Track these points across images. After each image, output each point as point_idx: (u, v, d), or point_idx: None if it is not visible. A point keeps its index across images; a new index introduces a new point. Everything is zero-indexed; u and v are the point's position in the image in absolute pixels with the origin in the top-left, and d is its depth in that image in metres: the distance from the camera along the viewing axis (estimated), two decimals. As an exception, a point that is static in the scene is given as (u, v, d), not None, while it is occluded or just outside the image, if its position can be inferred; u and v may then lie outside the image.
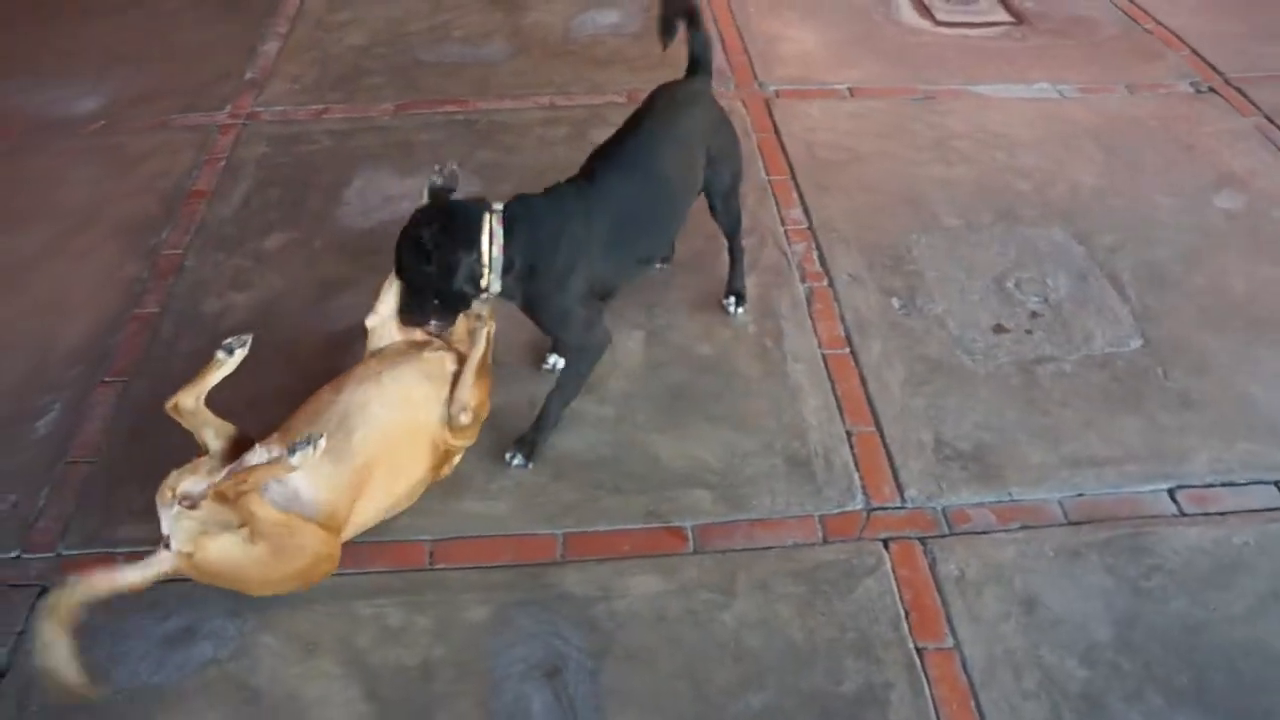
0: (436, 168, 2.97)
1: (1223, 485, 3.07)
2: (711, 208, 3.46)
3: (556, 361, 3.35)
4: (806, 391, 3.35)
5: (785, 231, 4.00)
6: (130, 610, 2.75)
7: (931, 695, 2.55)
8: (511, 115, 4.73)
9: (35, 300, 3.77)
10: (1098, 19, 5.52)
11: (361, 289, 3.45)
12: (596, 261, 2.99)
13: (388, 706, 2.56)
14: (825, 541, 2.92)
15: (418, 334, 3.06)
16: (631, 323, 3.58)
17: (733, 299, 3.62)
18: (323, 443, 2.63)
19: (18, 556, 2.91)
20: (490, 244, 2.83)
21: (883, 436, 3.21)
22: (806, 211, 4.10)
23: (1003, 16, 5.55)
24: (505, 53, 5.26)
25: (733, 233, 3.57)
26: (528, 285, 2.93)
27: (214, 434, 2.75)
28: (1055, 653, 2.64)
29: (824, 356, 3.47)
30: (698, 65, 3.43)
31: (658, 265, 3.67)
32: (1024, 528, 2.95)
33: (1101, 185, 4.27)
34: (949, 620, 2.72)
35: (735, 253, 3.61)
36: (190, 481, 2.63)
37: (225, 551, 2.59)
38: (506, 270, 2.87)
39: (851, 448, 3.18)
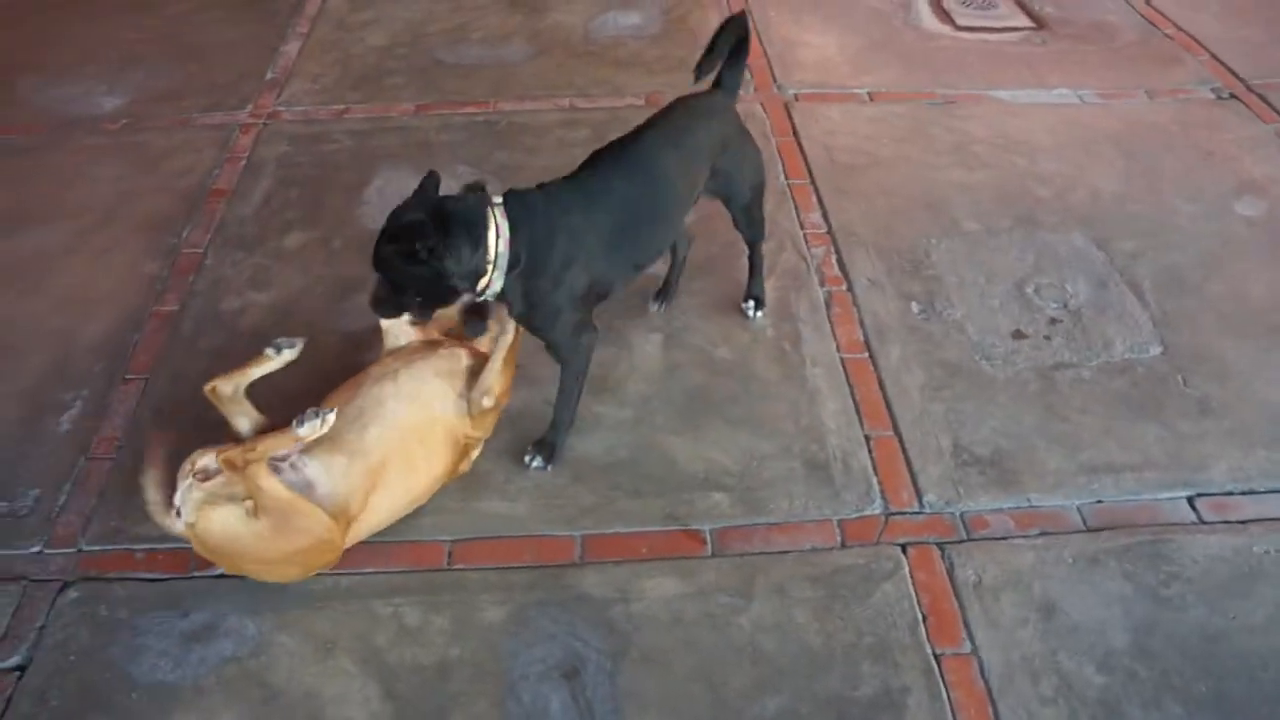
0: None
1: (1242, 493, 3.06)
2: (734, 219, 3.44)
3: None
4: (825, 395, 3.35)
5: (804, 235, 3.99)
6: (150, 607, 2.78)
7: (949, 700, 2.55)
8: (531, 117, 4.74)
9: (58, 296, 3.79)
10: (1118, 24, 5.50)
11: (380, 289, 3.45)
12: (595, 259, 2.90)
13: (405, 705, 2.57)
14: (843, 546, 2.92)
15: (434, 332, 3.08)
16: (650, 325, 3.59)
17: (752, 303, 3.61)
18: (331, 417, 2.66)
19: (40, 551, 2.93)
20: (497, 240, 2.70)
21: (901, 441, 3.20)
22: (825, 215, 4.10)
23: (1023, 21, 5.54)
24: (525, 54, 5.27)
25: (755, 242, 3.55)
26: (528, 283, 2.82)
27: (247, 422, 2.81)
28: (1073, 659, 2.63)
29: (842, 360, 3.47)
30: (724, 83, 3.31)
31: (654, 306, 3.63)
32: (1042, 534, 2.95)
33: (1121, 191, 4.26)
34: (967, 625, 2.71)
35: (755, 260, 3.59)
36: (209, 458, 2.67)
37: (226, 522, 2.62)
38: (512, 267, 2.75)
39: (870, 452, 3.17)
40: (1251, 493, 3.06)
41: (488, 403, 2.95)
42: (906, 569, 2.85)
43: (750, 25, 3.27)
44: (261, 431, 2.77)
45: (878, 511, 3.01)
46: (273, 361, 2.84)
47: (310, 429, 2.64)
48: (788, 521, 2.98)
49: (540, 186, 2.92)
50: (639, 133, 3.09)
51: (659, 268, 3.54)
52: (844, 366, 3.45)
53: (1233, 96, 4.87)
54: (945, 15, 5.56)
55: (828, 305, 3.69)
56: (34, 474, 3.14)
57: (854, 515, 3.00)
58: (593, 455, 3.17)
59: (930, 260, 3.87)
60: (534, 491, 3.07)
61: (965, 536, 2.94)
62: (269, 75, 5.12)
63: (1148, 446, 3.19)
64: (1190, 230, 4.04)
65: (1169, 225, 4.07)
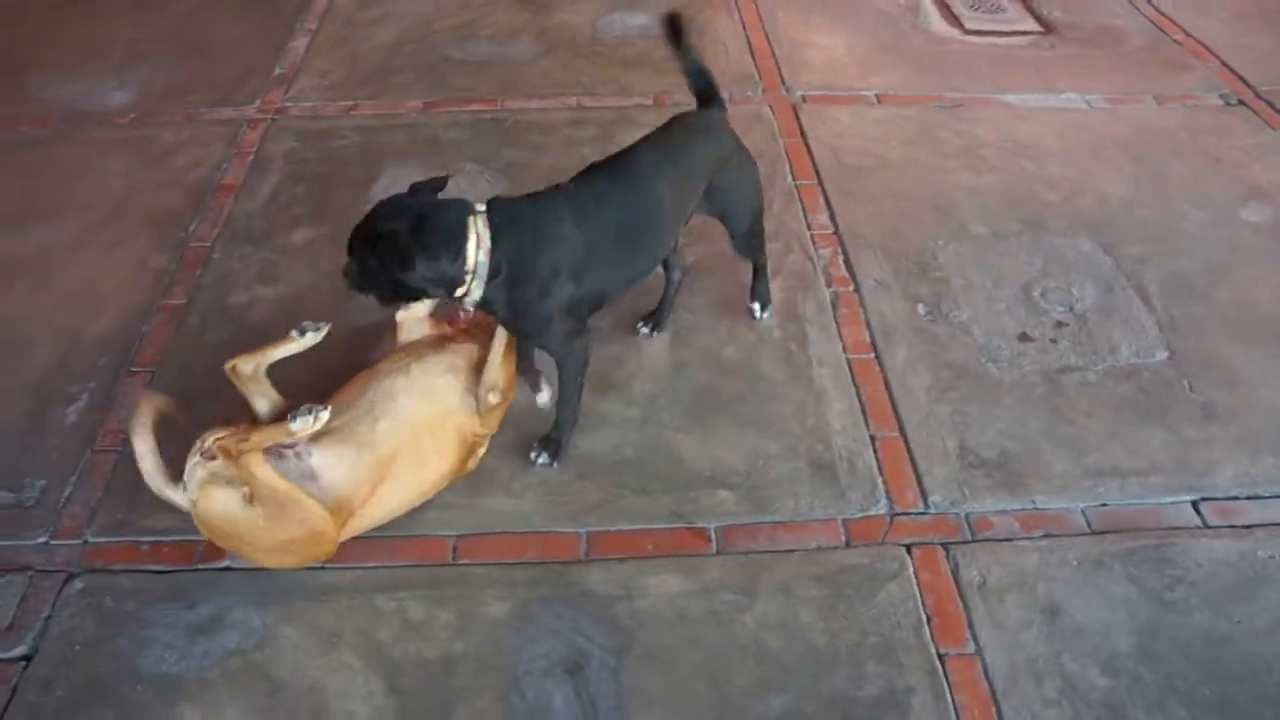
0: None
1: (1247, 498, 3.06)
2: (732, 240, 3.38)
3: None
4: (831, 396, 3.35)
5: (811, 236, 4.00)
6: (156, 599, 2.78)
7: (953, 701, 2.55)
8: (539, 115, 4.75)
9: (65, 290, 3.80)
10: (1126, 29, 5.51)
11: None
12: (583, 270, 2.85)
13: (408, 700, 2.57)
14: (848, 545, 2.92)
15: (446, 328, 3.09)
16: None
17: (758, 304, 3.60)
18: (324, 415, 2.66)
19: (46, 542, 2.94)
20: (477, 249, 2.69)
21: (907, 442, 3.20)
22: (833, 217, 4.10)
23: (1031, 26, 5.54)
24: (532, 53, 5.28)
25: (758, 264, 3.55)
26: (512, 292, 2.79)
27: (265, 403, 2.82)
28: (1077, 661, 2.63)
29: (849, 361, 3.47)
30: (704, 96, 3.23)
31: (644, 330, 3.57)
32: (1047, 536, 2.95)
33: (1129, 196, 4.26)
34: (971, 626, 2.71)
35: (758, 270, 3.58)
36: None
37: (224, 505, 2.64)
38: (493, 277, 2.73)
39: (875, 452, 3.18)
40: (1257, 498, 3.06)
41: (494, 399, 2.95)
42: (911, 569, 2.85)
43: (685, 22, 3.19)
44: (278, 413, 2.79)
45: (883, 512, 3.01)
46: (295, 343, 2.86)
47: (302, 425, 2.63)
48: (793, 520, 2.98)
49: (530, 196, 2.90)
50: (634, 147, 3.05)
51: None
52: (850, 367, 3.45)
53: (1241, 103, 4.88)
54: (953, 19, 5.57)
55: (834, 306, 3.69)
56: (40, 465, 3.14)
57: (859, 515, 3.00)
58: (599, 453, 3.17)
59: (937, 262, 3.87)
60: (539, 488, 3.07)
61: (970, 538, 2.94)
62: (277, 71, 5.13)
63: (1153, 451, 3.19)
64: (1198, 236, 4.04)
65: (1176, 231, 4.07)
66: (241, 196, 4.26)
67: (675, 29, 3.18)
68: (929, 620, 2.73)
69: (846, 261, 3.88)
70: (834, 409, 3.31)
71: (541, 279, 2.79)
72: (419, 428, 2.85)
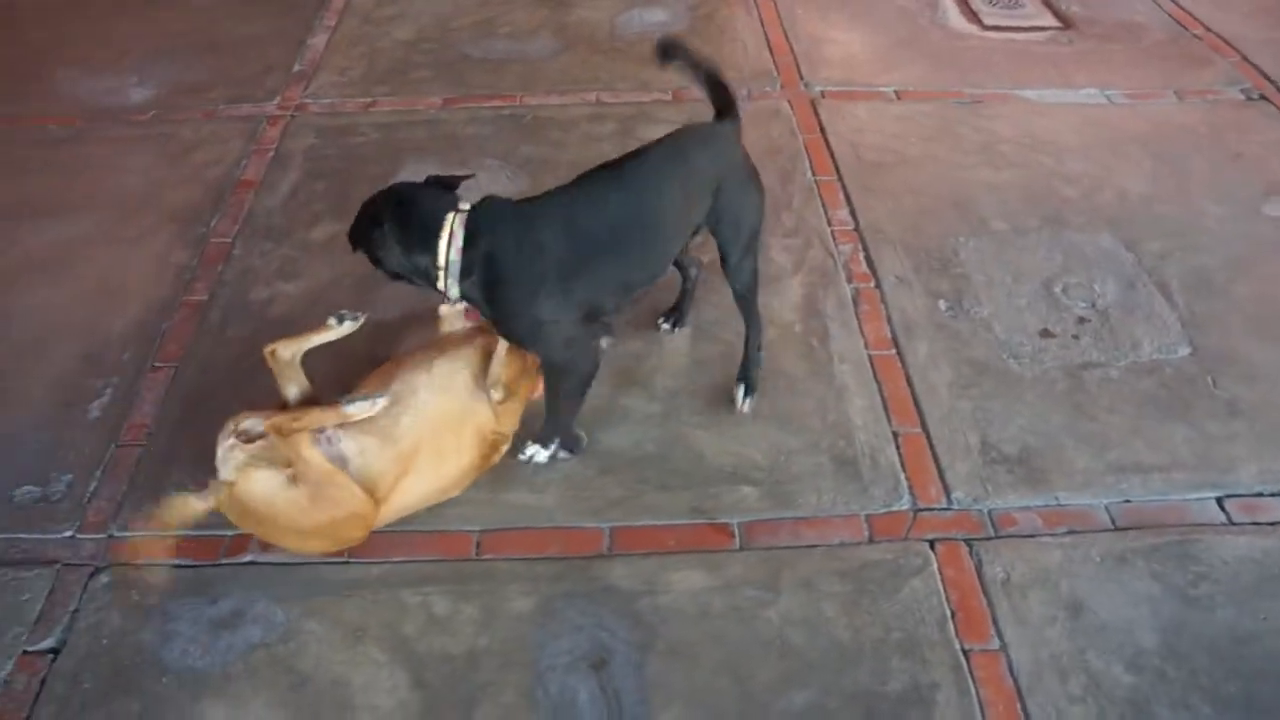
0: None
1: (1272, 495, 3.05)
2: (723, 261, 3.12)
3: (535, 452, 3.11)
4: (853, 392, 3.35)
5: (832, 232, 3.99)
6: (180, 593, 2.80)
7: (978, 696, 2.55)
8: (558, 111, 4.75)
9: (89, 285, 3.82)
10: (1146, 24, 5.49)
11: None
12: (572, 277, 2.77)
13: (433, 694, 2.57)
14: (871, 541, 2.92)
15: (482, 323, 3.09)
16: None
17: (742, 388, 3.27)
18: (382, 401, 2.74)
19: (72, 536, 2.96)
20: (449, 246, 2.70)
21: (929, 438, 3.20)
22: (853, 213, 4.10)
23: (1050, 21, 5.52)
24: (551, 49, 5.28)
25: (746, 296, 3.20)
26: (492, 294, 2.77)
27: (295, 389, 2.86)
28: (1102, 658, 2.63)
29: (870, 357, 3.47)
30: (722, 108, 3.10)
31: (664, 325, 3.55)
32: (1070, 532, 2.94)
33: (1149, 192, 4.24)
34: (995, 622, 2.71)
35: (750, 324, 3.26)
36: (253, 421, 2.71)
37: (266, 485, 2.66)
38: (465, 276, 2.73)
39: (898, 448, 3.17)
40: (1282, 494, 3.06)
41: (496, 395, 2.97)
42: (935, 565, 2.85)
43: (685, 43, 3.12)
44: (307, 400, 2.83)
45: (906, 507, 3.01)
46: (333, 331, 2.90)
47: (359, 409, 2.71)
48: (815, 516, 2.98)
49: (524, 199, 2.87)
50: (636, 155, 2.94)
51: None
52: (872, 363, 3.45)
53: (1262, 98, 4.85)
54: (972, 14, 5.55)
55: (855, 302, 3.68)
56: (66, 460, 3.16)
57: (882, 511, 3.00)
58: (620, 448, 3.17)
59: (958, 259, 3.87)
60: (561, 483, 3.08)
61: (993, 534, 2.94)
62: (296, 68, 5.14)
63: (1176, 447, 3.18)
64: (1218, 232, 4.03)
65: (1197, 227, 4.05)
66: (261, 193, 4.28)
67: (669, 54, 3.09)
68: (953, 616, 2.73)
69: (867, 257, 3.87)
70: (856, 405, 3.31)
71: (520, 284, 2.76)
72: (440, 423, 2.87)
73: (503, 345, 2.98)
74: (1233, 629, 2.70)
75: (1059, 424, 3.24)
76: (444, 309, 3.09)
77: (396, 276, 2.86)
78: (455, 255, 2.70)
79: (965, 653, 2.65)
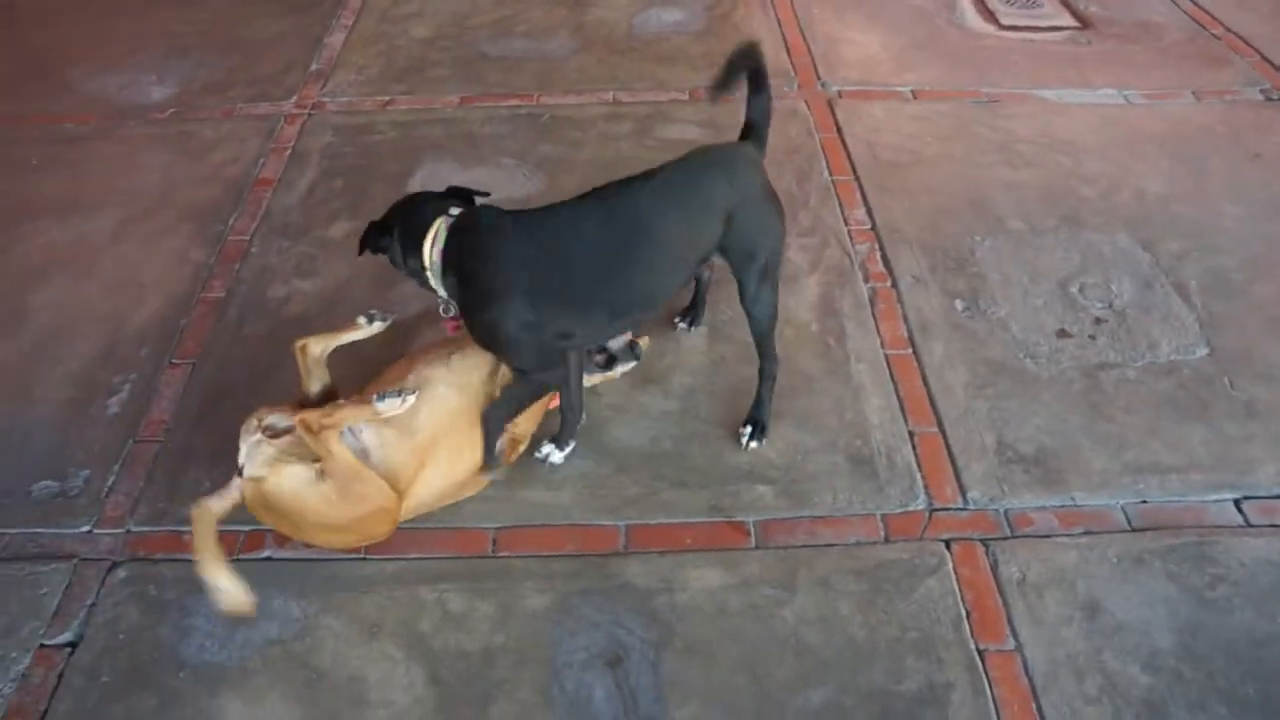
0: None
1: (1290, 497, 3.04)
2: (740, 292, 2.99)
3: (550, 452, 3.13)
4: (869, 391, 3.35)
5: (849, 231, 3.99)
6: (197, 588, 2.79)
7: (993, 696, 2.55)
8: (575, 110, 4.75)
9: (107, 282, 3.84)
10: (1164, 24, 5.46)
11: (426, 279, 3.48)
12: (548, 296, 2.72)
13: (449, 691, 2.58)
14: (887, 540, 2.92)
15: None
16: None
17: (749, 429, 3.18)
18: (411, 398, 2.76)
19: (90, 531, 2.98)
20: (432, 248, 2.78)
21: (945, 437, 3.19)
22: (870, 212, 4.09)
23: (1067, 21, 5.51)
24: (569, 48, 5.28)
25: (762, 330, 3.07)
26: (460, 294, 2.81)
27: (318, 384, 2.90)
28: (1118, 658, 2.62)
29: (886, 357, 3.47)
30: (751, 131, 3.01)
31: (681, 324, 3.55)
32: (1086, 533, 2.93)
33: (1167, 192, 4.22)
34: (1010, 622, 2.71)
35: (764, 362, 3.15)
36: (276, 416, 2.73)
37: (295, 481, 2.67)
38: (445, 275, 2.80)
39: (914, 448, 3.17)
40: (1300, 497, 3.04)
41: (498, 394, 2.97)
42: (950, 564, 2.84)
43: (762, 54, 2.99)
44: (327, 396, 2.86)
45: (922, 507, 3.01)
46: (362, 330, 2.95)
47: (389, 406, 2.72)
48: (832, 515, 2.98)
49: (513, 211, 2.83)
50: (636, 181, 2.79)
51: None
52: (888, 363, 3.45)
53: (1281, 98, 4.84)
54: (989, 14, 5.54)
55: (872, 301, 3.68)
56: (84, 455, 3.18)
57: (898, 510, 3.00)
58: (637, 446, 3.18)
59: (974, 258, 3.86)
60: (578, 480, 3.08)
61: (1009, 533, 2.93)
62: (313, 67, 5.16)
63: (1193, 448, 3.17)
64: (1237, 233, 4.01)
65: (1215, 227, 4.04)
66: (279, 191, 4.29)
67: (747, 57, 2.98)
68: (968, 616, 2.72)
69: (884, 257, 3.87)
70: (872, 404, 3.30)
71: (483, 292, 2.76)
72: (457, 418, 2.88)
73: None
74: (1250, 631, 2.69)
75: (1075, 424, 3.23)
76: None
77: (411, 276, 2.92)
78: (436, 257, 2.79)
79: (980, 652, 2.64)
